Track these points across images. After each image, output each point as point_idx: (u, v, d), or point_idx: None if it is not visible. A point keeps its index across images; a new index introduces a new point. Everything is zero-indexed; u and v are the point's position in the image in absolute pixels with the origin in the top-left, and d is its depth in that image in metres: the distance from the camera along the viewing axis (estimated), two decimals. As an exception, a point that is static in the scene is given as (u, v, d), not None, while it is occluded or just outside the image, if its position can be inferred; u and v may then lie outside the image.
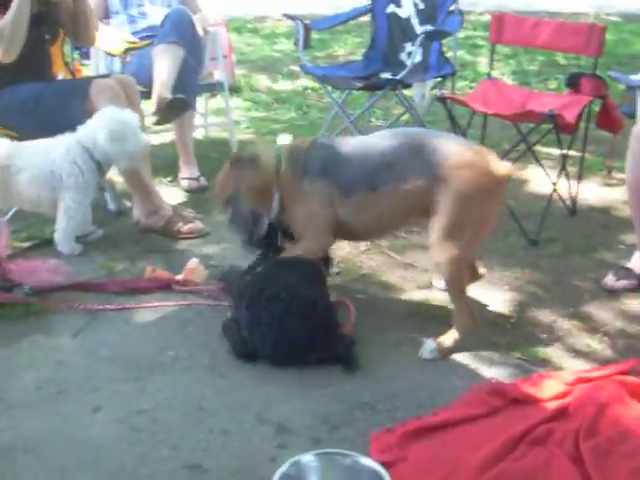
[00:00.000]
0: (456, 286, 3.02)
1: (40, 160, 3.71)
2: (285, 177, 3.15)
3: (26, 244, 3.87)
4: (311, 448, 2.40)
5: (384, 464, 2.30)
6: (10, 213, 3.95)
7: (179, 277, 3.45)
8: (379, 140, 3.13)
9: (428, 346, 2.98)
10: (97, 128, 3.68)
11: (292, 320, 2.84)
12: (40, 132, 3.84)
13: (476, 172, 2.92)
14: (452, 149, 2.96)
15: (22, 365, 2.91)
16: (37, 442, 2.50)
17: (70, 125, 3.78)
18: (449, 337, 3.01)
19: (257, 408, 2.67)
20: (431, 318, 3.24)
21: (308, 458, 2.28)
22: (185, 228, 3.99)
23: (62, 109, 3.90)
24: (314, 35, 8.35)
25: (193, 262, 3.50)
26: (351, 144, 3.19)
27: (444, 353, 2.98)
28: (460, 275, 3.01)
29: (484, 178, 2.92)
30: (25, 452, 2.46)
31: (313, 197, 3.11)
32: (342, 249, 3.81)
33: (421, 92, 4.75)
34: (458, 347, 3.01)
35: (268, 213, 3.21)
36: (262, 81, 7.31)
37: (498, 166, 2.96)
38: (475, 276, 3.32)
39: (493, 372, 2.88)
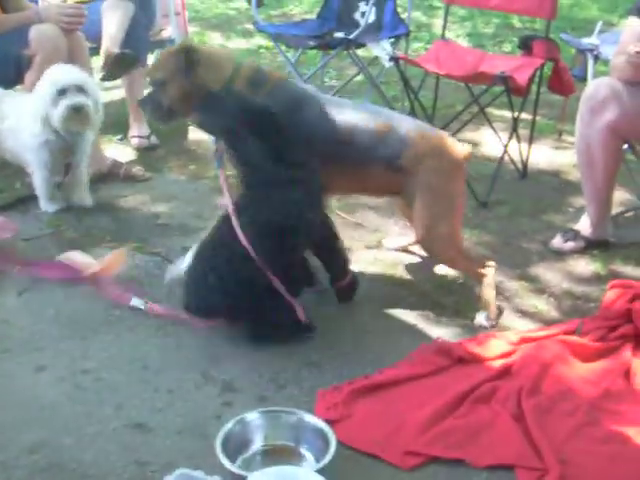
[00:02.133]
0: (459, 261, 3.06)
1: (18, 113, 3.62)
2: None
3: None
4: (257, 406, 2.41)
5: (329, 421, 2.32)
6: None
7: (95, 267, 3.14)
8: (347, 111, 2.97)
9: (480, 317, 2.98)
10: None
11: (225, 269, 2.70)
12: None
13: (439, 160, 2.92)
14: (413, 137, 2.92)
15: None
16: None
17: (16, 71, 3.73)
18: (488, 301, 3.00)
19: (203, 367, 2.66)
20: (379, 278, 3.26)
21: (253, 416, 2.30)
22: (132, 171, 4.06)
23: (4, 56, 3.81)
24: (266, -7, 8.30)
25: (117, 252, 3.28)
26: (321, 102, 2.99)
27: (494, 316, 2.99)
28: (459, 253, 3.04)
29: (447, 164, 2.94)
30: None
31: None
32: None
33: (383, 50, 4.70)
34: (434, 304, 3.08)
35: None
36: (216, 39, 7.22)
37: (458, 149, 2.98)
38: None
39: (440, 332, 2.90)
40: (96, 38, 4.38)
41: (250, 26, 7.31)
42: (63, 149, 3.63)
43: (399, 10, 5.11)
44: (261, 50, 6.89)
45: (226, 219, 2.75)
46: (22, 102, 3.65)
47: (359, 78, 5.60)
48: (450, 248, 3.03)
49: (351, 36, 4.68)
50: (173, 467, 2.19)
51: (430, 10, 8.63)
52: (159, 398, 2.51)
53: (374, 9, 4.89)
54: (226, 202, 2.75)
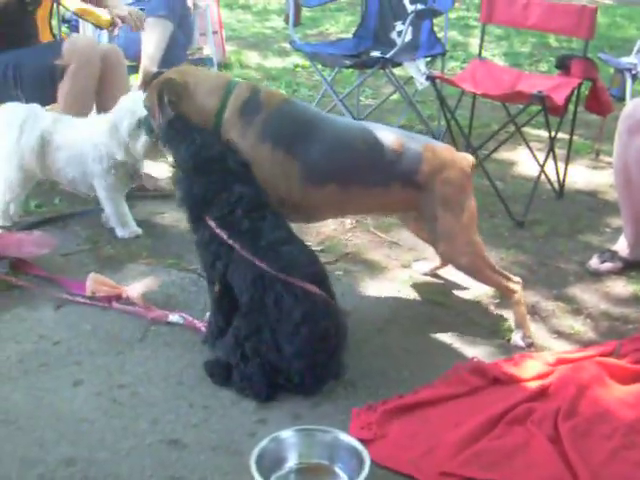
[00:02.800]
0: (487, 274, 3.03)
1: (77, 141, 3.62)
2: (229, 128, 2.79)
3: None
4: (291, 424, 2.41)
5: (363, 441, 2.31)
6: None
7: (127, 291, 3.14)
8: (356, 132, 2.91)
9: (517, 337, 2.96)
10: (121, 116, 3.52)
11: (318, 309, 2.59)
12: (29, 97, 3.82)
13: (451, 172, 2.93)
14: (425, 152, 2.91)
15: (4, 338, 2.90)
16: (18, 414, 2.50)
17: (51, 82, 3.76)
18: (522, 319, 2.99)
19: (238, 384, 2.67)
20: (414, 297, 3.25)
21: (288, 434, 2.29)
22: (160, 185, 4.07)
23: (38, 68, 3.87)
24: (306, 12, 8.37)
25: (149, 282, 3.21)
26: (327, 124, 2.87)
27: (530, 335, 2.97)
28: (487, 264, 3.03)
29: (459, 176, 2.95)
30: (6, 424, 2.45)
31: (265, 163, 2.77)
32: (327, 226, 3.81)
33: (418, 71, 4.71)
34: (465, 325, 3.06)
35: None
36: (252, 58, 7.28)
37: (465, 161, 3.00)
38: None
39: (475, 352, 2.89)
40: (135, 57, 4.45)
41: (286, 45, 7.38)
42: (128, 172, 3.66)
43: (435, 29, 5.12)
44: (297, 69, 6.93)
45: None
46: (78, 129, 3.64)
47: (395, 97, 5.63)
48: (475, 257, 3.01)
49: (387, 55, 4.69)
50: (207, 483, 2.22)
51: (466, 29, 8.65)
52: (194, 414, 2.51)
53: (410, 28, 4.90)
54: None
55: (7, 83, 3.93)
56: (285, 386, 2.59)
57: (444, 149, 3.01)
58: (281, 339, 2.55)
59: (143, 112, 3.18)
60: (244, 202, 2.65)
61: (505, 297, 3.08)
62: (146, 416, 2.50)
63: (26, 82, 3.92)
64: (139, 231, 3.70)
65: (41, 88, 3.88)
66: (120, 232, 3.68)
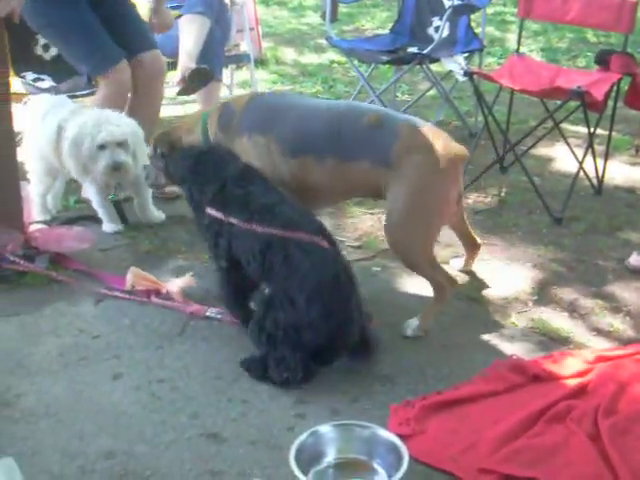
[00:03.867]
0: (425, 268, 2.96)
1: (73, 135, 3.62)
2: (217, 139, 3.09)
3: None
4: (329, 419, 2.41)
5: (402, 437, 2.31)
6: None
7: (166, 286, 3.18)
8: (330, 108, 3.04)
9: (411, 323, 2.95)
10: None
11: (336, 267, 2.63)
12: None
13: (426, 156, 2.83)
14: (402, 132, 2.87)
15: (45, 332, 2.94)
16: (58, 407, 2.53)
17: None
18: (429, 312, 2.97)
19: (276, 378, 2.68)
20: (453, 292, 3.23)
21: (327, 428, 2.30)
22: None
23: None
24: (342, 8, 8.38)
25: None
26: (299, 104, 3.11)
27: (426, 329, 2.94)
28: (428, 259, 2.95)
29: (434, 162, 2.83)
30: (47, 417, 2.48)
31: (250, 152, 3.00)
32: (364, 222, 3.81)
33: (457, 65, 4.69)
34: (475, 323, 3.02)
35: None
36: (288, 54, 7.29)
37: (450, 148, 2.88)
38: (475, 247, 3.33)
39: (514, 348, 2.87)
40: (173, 53, 4.47)
41: (322, 41, 7.37)
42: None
43: (472, 25, 5.09)
44: (333, 65, 6.93)
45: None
46: (77, 125, 3.63)
47: (431, 93, 5.61)
48: (417, 253, 2.93)
49: (425, 51, 4.68)
50: (246, 477, 2.23)
51: (503, 25, 8.59)
52: (233, 408, 2.53)
53: (448, 24, 4.88)
54: None
55: None
56: (318, 355, 2.61)
57: (426, 132, 2.89)
58: (293, 292, 2.57)
59: (104, 137, 3.47)
60: (232, 175, 2.79)
61: (434, 289, 2.99)
62: (185, 410, 2.52)
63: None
64: (120, 228, 3.76)
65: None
66: (105, 227, 3.75)
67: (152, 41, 4.03)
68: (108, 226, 3.74)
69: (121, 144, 3.53)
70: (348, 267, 2.70)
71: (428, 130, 2.91)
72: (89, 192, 3.76)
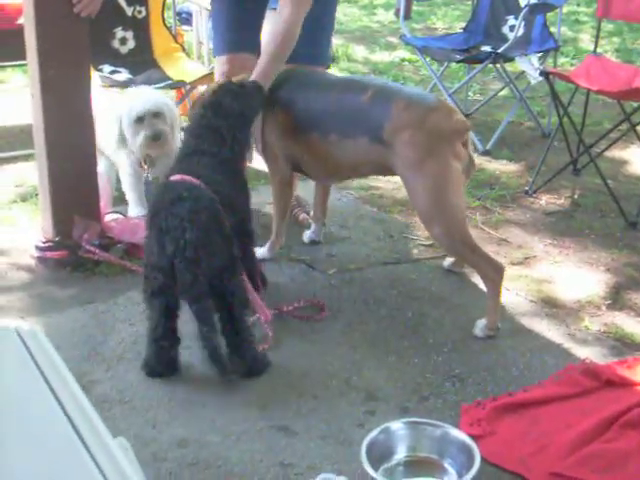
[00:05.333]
0: (462, 250, 2.90)
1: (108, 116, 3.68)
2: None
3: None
4: (399, 417, 2.40)
5: (473, 437, 2.29)
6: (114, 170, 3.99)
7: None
8: (335, 84, 3.11)
9: (479, 323, 2.91)
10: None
11: (204, 216, 2.54)
12: None
13: (414, 132, 2.80)
14: (394, 109, 2.85)
15: (119, 320, 2.99)
16: (132, 395, 2.57)
17: None
18: (490, 307, 2.91)
19: (346, 374, 2.68)
20: (524, 295, 3.21)
21: (398, 426, 2.29)
22: (301, 217, 3.82)
23: None
24: (414, 6, 8.32)
25: None
26: (316, 81, 3.17)
27: (494, 326, 2.90)
28: (460, 239, 2.86)
29: (423, 137, 2.79)
30: (120, 403, 2.53)
31: (272, 123, 3.14)
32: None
33: (531, 66, 4.64)
34: (546, 325, 2.98)
35: None
36: (359, 51, 7.28)
37: (444, 121, 2.82)
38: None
39: (586, 352, 2.83)
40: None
41: (393, 39, 7.37)
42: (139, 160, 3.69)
43: (547, 24, 5.03)
44: (404, 63, 6.91)
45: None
46: (113, 102, 3.68)
47: (503, 93, 5.56)
48: (449, 228, 2.84)
49: (500, 50, 4.64)
50: (316, 471, 2.23)
51: (576, 24, 8.47)
52: (304, 402, 2.54)
53: (523, 22, 4.83)
54: None
55: None
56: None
57: (419, 107, 2.85)
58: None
59: (141, 108, 3.45)
60: None
61: (483, 280, 2.94)
62: (256, 402, 2.54)
63: None
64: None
65: None
66: (131, 210, 3.75)
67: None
68: (135, 209, 3.75)
69: (157, 115, 3.56)
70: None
71: (422, 106, 2.87)
72: (122, 174, 3.76)
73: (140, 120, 3.53)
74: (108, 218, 3.51)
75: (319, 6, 3.36)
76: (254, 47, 3.48)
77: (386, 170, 3.01)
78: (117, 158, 3.74)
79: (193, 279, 2.48)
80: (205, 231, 2.51)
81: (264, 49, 3.19)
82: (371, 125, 2.89)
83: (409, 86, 4.15)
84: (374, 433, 2.24)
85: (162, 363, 2.66)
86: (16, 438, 1.01)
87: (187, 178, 2.64)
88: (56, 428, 1.00)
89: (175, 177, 2.68)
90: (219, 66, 3.58)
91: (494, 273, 2.88)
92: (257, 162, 3.74)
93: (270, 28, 3.32)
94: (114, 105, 3.67)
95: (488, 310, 2.91)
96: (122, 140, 3.60)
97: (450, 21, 8.51)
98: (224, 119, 2.84)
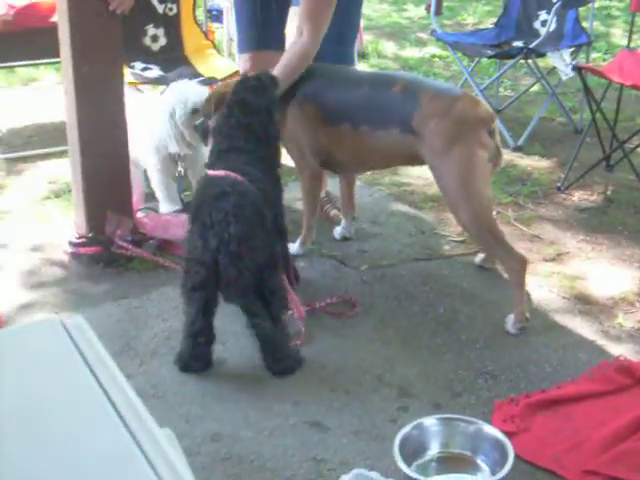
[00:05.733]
0: (488, 239, 2.91)
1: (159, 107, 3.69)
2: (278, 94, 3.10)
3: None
4: (432, 413, 2.41)
5: (506, 434, 2.29)
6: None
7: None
8: (366, 78, 3.15)
9: (509, 319, 2.91)
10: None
11: (248, 211, 2.57)
12: None
13: (440, 121, 2.86)
14: (422, 99, 2.92)
15: (152, 315, 3.01)
16: (165, 389, 2.59)
17: None
18: (517, 299, 2.91)
19: (379, 370, 2.68)
20: (557, 291, 3.19)
21: (431, 421, 2.29)
22: (332, 213, 3.80)
23: None
24: (445, 2, 8.27)
25: None
26: (345, 75, 3.22)
27: (523, 317, 2.90)
28: (487, 227, 2.89)
29: (450, 125, 2.85)
30: (154, 398, 2.54)
31: (297, 118, 3.15)
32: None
33: (562, 61, 4.61)
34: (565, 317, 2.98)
35: None
36: (389, 47, 7.26)
37: (470, 111, 2.88)
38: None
39: (620, 349, 2.81)
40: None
41: (423, 35, 7.35)
42: (173, 156, 3.70)
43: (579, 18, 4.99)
44: (434, 59, 6.88)
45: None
46: (165, 98, 3.69)
47: (535, 88, 5.52)
48: (477, 215, 2.88)
49: (531, 45, 4.61)
50: (349, 466, 2.24)
51: (608, 19, 8.39)
52: (336, 398, 2.54)
53: (555, 17, 4.79)
54: None
55: None
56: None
57: (445, 97, 2.93)
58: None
59: (198, 99, 3.44)
60: None
61: (507, 272, 2.96)
62: (288, 398, 2.55)
63: None
64: (178, 207, 3.69)
65: None
66: (162, 207, 3.75)
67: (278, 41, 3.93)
68: (165, 206, 3.75)
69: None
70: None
71: (449, 96, 2.95)
72: (151, 171, 3.76)
73: (196, 111, 3.54)
74: (140, 214, 3.54)
75: (346, 4, 3.37)
76: (278, 44, 3.50)
77: (416, 160, 3.06)
78: (145, 156, 3.75)
79: (238, 273, 2.51)
80: (249, 226, 2.53)
81: (279, 63, 3.19)
82: (402, 116, 2.94)
83: (437, 80, 4.14)
84: (407, 429, 2.25)
85: (196, 358, 2.67)
86: (64, 429, 1.02)
87: (231, 174, 2.67)
88: (104, 418, 1.01)
89: (218, 172, 2.70)
90: (242, 63, 3.60)
91: (518, 264, 2.90)
92: (286, 158, 3.75)
93: (288, 46, 3.32)
94: (140, 104, 3.67)
95: (515, 301, 2.92)
96: (182, 135, 3.61)
97: (480, 16, 8.46)
98: (252, 116, 2.85)
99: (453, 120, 2.87)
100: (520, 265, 2.90)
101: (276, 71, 3.12)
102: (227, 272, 2.50)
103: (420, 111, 2.90)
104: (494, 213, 3.74)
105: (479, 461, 2.25)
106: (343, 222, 3.58)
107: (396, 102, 2.97)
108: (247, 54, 3.56)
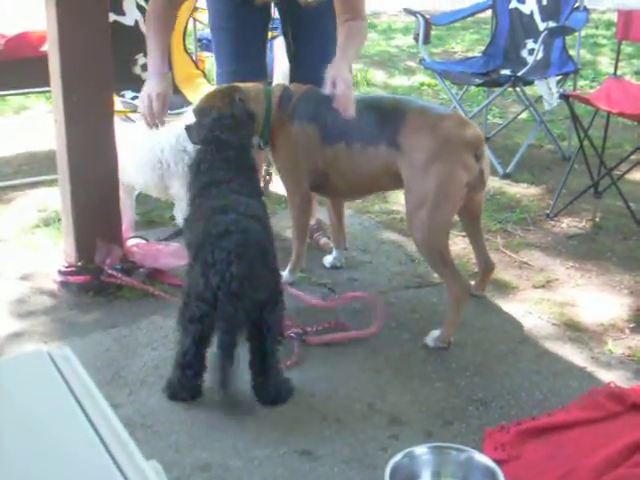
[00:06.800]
0: (437, 260, 2.95)
1: (149, 146, 3.67)
2: (274, 116, 3.20)
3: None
4: (423, 441, 2.40)
5: (497, 462, 2.27)
6: (134, 194, 4.01)
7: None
8: (362, 99, 3.14)
9: (432, 334, 2.96)
10: None
11: (252, 250, 2.52)
12: None
13: (426, 138, 2.88)
14: (409, 115, 2.95)
15: (142, 344, 2.99)
16: (154, 419, 2.57)
17: None
18: (449, 321, 2.96)
19: (370, 398, 2.67)
20: (546, 318, 3.19)
21: (422, 450, 2.28)
22: (322, 241, 3.82)
23: None
24: (432, 31, 8.34)
25: None
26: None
27: (447, 339, 2.95)
28: (438, 249, 2.92)
29: (434, 142, 2.86)
30: (143, 427, 2.53)
31: (297, 136, 3.17)
32: (456, 244, 3.78)
33: (548, 90, 4.66)
34: (556, 346, 2.98)
35: None
36: (378, 76, 7.32)
37: (457, 132, 2.88)
38: (487, 266, 3.29)
39: (610, 376, 2.81)
40: (269, 74, 4.52)
41: (412, 63, 7.41)
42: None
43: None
44: (423, 87, 6.93)
45: None
46: (174, 129, 3.65)
47: (523, 116, 5.57)
48: (430, 236, 2.91)
49: (519, 73, 4.65)
50: (340, 496, 2.22)
51: (595, 47, 8.48)
52: (327, 426, 2.53)
53: (542, 46, 4.84)
54: None
55: None
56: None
57: (432, 114, 2.97)
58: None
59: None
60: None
61: (448, 295, 2.99)
62: (278, 426, 2.53)
63: None
64: None
65: None
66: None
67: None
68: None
69: None
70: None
71: (436, 114, 2.98)
72: (179, 192, 3.68)
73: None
74: (130, 243, 3.53)
75: (324, 34, 3.40)
76: (260, 74, 3.54)
77: (396, 178, 3.04)
78: (177, 188, 3.70)
79: (234, 312, 2.48)
80: (251, 265, 2.50)
81: (342, 41, 3.19)
82: (389, 131, 2.97)
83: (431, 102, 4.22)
84: (398, 457, 2.23)
85: (185, 388, 2.66)
86: (49, 460, 1.01)
87: (232, 209, 2.63)
88: (89, 450, 1.00)
89: (217, 205, 2.66)
90: None
91: (461, 291, 2.94)
92: (276, 186, 3.76)
93: (341, 30, 3.32)
94: (129, 135, 3.68)
95: (447, 322, 2.96)
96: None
97: (469, 45, 8.54)
98: (229, 151, 2.85)
99: (437, 137, 2.87)
100: (463, 293, 2.95)
101: (351, 49, 3.16)
102: (224, 309, 2.48)
103: (405, 126, 2.93)
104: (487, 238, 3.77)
105: (470, 489, 2.24)
106: (334, 252, 3.59)
107: (385, 118, 3.01)
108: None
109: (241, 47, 3.52)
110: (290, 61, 3.64)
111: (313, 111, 3.17)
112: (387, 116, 3.01)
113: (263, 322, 2.58)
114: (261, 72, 3.58)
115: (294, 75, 3.61)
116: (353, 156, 3.08)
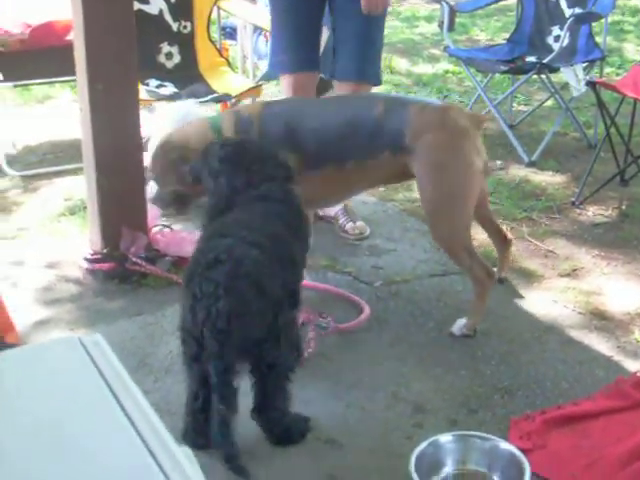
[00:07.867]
0: (462, 255, 2.91)
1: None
2: None
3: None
4: (448, 429, 2.40)
5: (522, 450, 2.27)
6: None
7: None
8: (339, 109, 3.00)
9: (459, 322, 2.95)
10: None
11: (243, 283, 2.22)
12: None
13: (437, 133, 2.81)
14: (411, 115, 2.85)
15: (166, 332, 3.01)
16: (180, 405, 2.56)
17: None
18: (475, 309, 2.95)
19: (394, 387, 2.68)
20: (572, 307, 3.17)
21: (447, 438, 2.28)
22: (348, 226, 3.77)
23: None
24: (456, 18, 8.27)
25: None
26: (310, 112, 2.99)
27: (473, 327, 2.93)
28: (463, 245, 2.89)
29: (447, 138, 2.82)
30: (169, 414, 2.53)
31: None
32: (481, 234, 3.75)
33: (575, 77, 4.62)
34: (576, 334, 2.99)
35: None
36: (402, 64, 7.27)
37: (462, 119, 2.85)
38: (506, 242, 3.26)
39: (637, 365, 2.80)
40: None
41: (436, 51, 7.36)
42: None
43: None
44: (447, 75, 6.88)
45: None
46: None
47: (549, 103, 5.52)
48: (449, 235, 2.90)
49: (545, 60, 4.61)
50: (364, 484, 2.23)
51: (621, 34, 8.38)
52: (351, 415, 2.54)
53: (568, 33, 4.79)
54: None
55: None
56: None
57: (434, 109, 2.90)
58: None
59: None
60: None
61: (473, 283, 2.96)
62: (304, 414, 2.53)
63: None
64: None
65: None
66: None
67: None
68: None
69: None
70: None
71: (437, 107, 2.94)
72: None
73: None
74: (155, 231, 3.54)
75: (367, 21, 3.38)
76: (316, 65, 3.59)
77: (402, 176, 3.03)
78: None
79: (219, 351, 2.18)
80: (242, 300, 2.20)
81: None
82: (392, 137, 2.86)
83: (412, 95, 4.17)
84: (422, 446, 2.23)
85: (203, 434, 2.34)
86: (81, 445, 1.03)
87: (232, 232, 2.38)
88: (121, 435, 1.01)
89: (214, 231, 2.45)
90: (285, 86, 3.63)
91: (487, 277, 2.92)
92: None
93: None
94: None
95: (473, 311, 2.95)
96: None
97: (493, 32, 8.45)
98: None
99: (449, 131, 2.83)
100: (489, 278, 2.93)
101: None
102: (210, 348, 2.20)
103: (411, 127, 2.83)
104: (509, 229, 3.75)
105: (495, 478, 2.24)
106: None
107: (382, 124, 2.86)
108: (290, 76, 3.58)
109: (298, 38, 3.55)
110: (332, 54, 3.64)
111: (284, 134, 2.90)
112: (382, 121, 2.86)
113: (262, 360, 2.31)
114: (317, 62, 3.61)
115: (333, 67, 3.62)
116: (349, 176, 2.94)
